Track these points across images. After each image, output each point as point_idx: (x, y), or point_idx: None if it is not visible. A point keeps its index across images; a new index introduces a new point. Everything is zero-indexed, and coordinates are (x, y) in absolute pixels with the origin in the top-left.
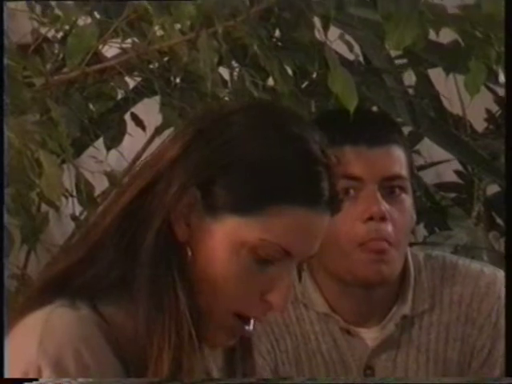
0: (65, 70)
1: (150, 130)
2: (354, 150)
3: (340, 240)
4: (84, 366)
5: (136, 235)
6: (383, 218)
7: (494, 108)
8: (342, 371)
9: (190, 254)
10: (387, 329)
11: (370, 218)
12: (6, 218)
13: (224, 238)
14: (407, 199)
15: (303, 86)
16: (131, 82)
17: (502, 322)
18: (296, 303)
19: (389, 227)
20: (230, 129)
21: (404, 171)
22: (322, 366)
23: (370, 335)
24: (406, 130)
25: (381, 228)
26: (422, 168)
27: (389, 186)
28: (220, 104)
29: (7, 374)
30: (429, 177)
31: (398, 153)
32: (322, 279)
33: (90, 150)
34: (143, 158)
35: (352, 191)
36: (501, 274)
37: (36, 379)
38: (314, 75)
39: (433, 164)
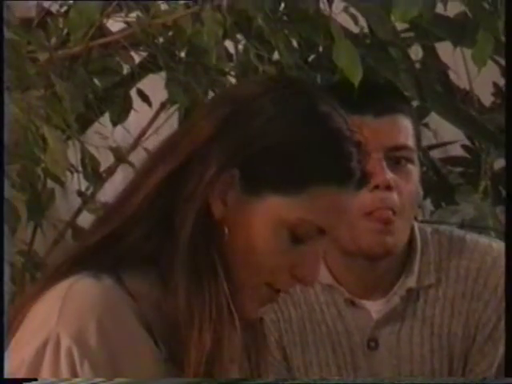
0: (69, 44)
1: (155, 106)
2: (360, 120)
3: None
4: (107, 336)
5: (173, 214)
6: (388, 187)
7: (501, 81)
8: (346, 342)
9: (226, 231)
10: (392, 301)
11: (376, 187)
12: (10, 192)
13: (263, 217)
14: (414, 170)
15: (309, 59)
16: (137, 58)
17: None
18: None
19: (394, 196)
20: (263, 111)
21: (410, 142)
22: (326, 336)
23: (375, 307)
24: (413, 104)
25: (386, 197)
26: (431, 147)
27: (394, 157)
28: (244, 84)
29: (25, 346)
30: (436, 151)
31: (405, 123)
32: (326, 250)
33: (96, 126)
34: (148, 133)
35: None
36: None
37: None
38: (320, 49)
39: (443, 144)
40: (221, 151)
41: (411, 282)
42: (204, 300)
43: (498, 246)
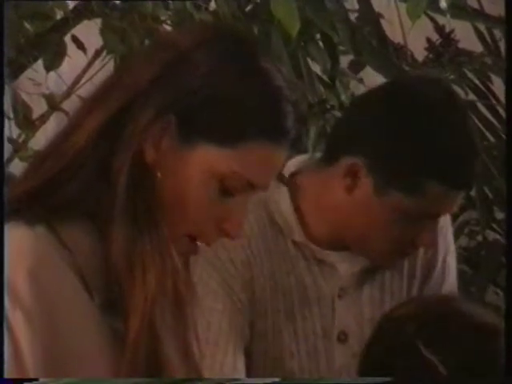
0: None
1: (90, 53)
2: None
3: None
4: (38, 285)
5: (110, 160)
6: None
7: (435, 37)
8: (315, 295)
9: (159, 175)
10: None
11: None
12: None
13: (196, 166)
14: None
15: (246, 9)
16: (70, 3)
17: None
18: (273, 225)
19: None
20: (205, 61)
21: None
22: (295, 287)
23: (345, 262)
24: (348, 58)
25: None
26: None
27: None
28: (187, 32)
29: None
30: None
31: None
32: (306, 209)
33: (28, 72)
34: (83, 81)
35: None
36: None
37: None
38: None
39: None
40: (159, 96)
41: None
42: (145, 244)
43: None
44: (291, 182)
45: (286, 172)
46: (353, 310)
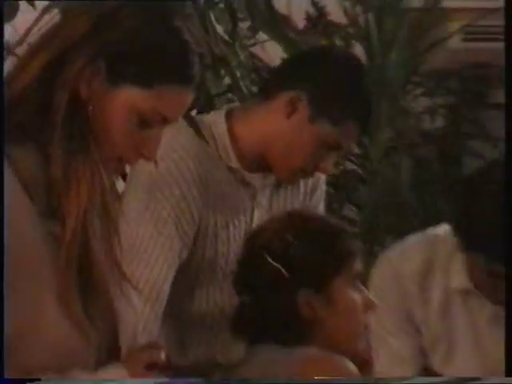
0: None
1: (39, 9)
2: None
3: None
4: None
5: (54, 93)
6: None
7: (311, 10)
8: (241, 208)
9: (91, 109)
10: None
11: None
12: None
13: (120, 102)
14: None
15: None
16: None
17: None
18: (213, 154)
19: None
20: (127, 19)
21: None
22: (228, 204)
23: (261, 180)
24: (247, 24)
25: None
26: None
27: None
28: None
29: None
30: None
31: None
32: (241, 137)
33: None
34: (33, 31)
35: None
36: None
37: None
38: None
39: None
40: (89, 47)
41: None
42: (78, 163)
43: None
44: (228, 117)
45: (224, 109)
46: (265, 217)
